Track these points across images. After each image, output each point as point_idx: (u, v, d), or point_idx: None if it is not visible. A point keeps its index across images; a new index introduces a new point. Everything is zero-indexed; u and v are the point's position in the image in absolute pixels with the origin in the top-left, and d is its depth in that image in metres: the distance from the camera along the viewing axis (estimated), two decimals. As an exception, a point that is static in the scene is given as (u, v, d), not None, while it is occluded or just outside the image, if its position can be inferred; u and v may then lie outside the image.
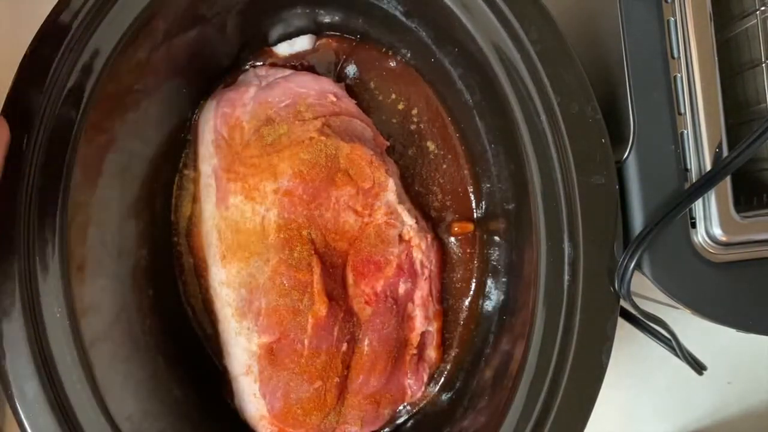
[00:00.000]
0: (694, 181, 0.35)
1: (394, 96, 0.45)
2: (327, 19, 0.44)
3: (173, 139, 0.43)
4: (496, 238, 0.42)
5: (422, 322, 0.41)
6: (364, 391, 0.39)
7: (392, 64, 0.45)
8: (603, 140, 0.35)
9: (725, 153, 0.35)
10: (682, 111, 0.35)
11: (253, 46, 0.45)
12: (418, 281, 0.41)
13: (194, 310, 0.44)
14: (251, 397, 0.39)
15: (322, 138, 0.39)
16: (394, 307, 0.40)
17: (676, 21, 0.35)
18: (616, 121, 0.36)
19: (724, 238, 0.34)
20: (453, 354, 0.44)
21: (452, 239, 0.45)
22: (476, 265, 0.44)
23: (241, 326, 0.39)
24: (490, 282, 0.43)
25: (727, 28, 0.41)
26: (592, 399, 0.34)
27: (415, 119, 0.45)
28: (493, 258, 0.43)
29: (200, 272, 0.42)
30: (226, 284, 0.39)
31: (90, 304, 0.35)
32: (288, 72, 0.42)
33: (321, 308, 0.37)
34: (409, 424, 0.44)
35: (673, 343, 0.36)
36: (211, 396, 0.42)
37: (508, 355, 0.37)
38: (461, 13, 0.35)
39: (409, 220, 0.40)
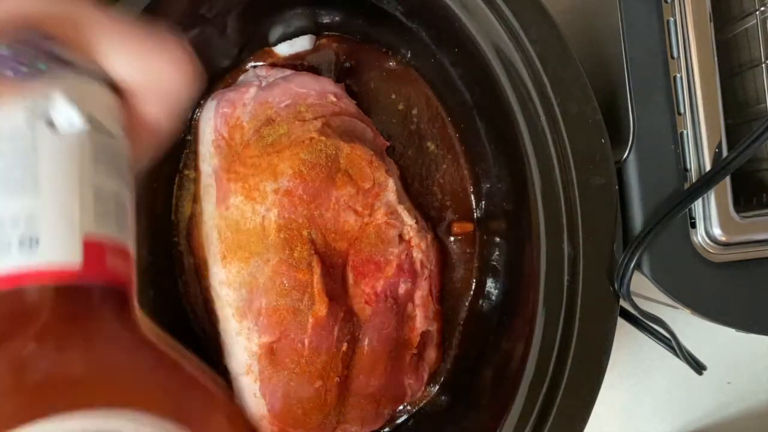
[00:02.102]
0: (693, 181, 0.35)
1: (394, 96, 0.45)
2: (327, 20, 0.44)
3: (173, 139, 0.43)
4: (496, 238, 0.43)
5: (422, 322, 0.41)
6: (365, 390, 0.39)
7: (392, 64, 0.45)
8: (603, 140, 0.35)
9: (725, 153, 0.35)
10: (682, 111, 0.35)
11: (253, 46, 0.45)
12: (418, 281, 0.41)
13: (194, 310, 0.44)
14: (251, 396, 0.39)
15: (323, 138, 0.39)
16: (395, 307, 0.40)
17: (675, 21, 0.35)
18: (615, 122, 0.36)
19: (723, 238, 0.34)
20: (453, 354, 0.44)
21: (452, 239, 0.45)
22: (476, 265, 0.44)
23: (242, 326, 0.39)
24: (490, 282, 0.43)
25: (726, 28, 0.41)
26: (591, 399, 0.34)
27: (415, 119, 0.45)
28: (493, 258, 0.43)
29: (200, 272, 0.42)
30: (226, 284, 0.39)
31: (90, 304, 0.35)
32: (288, 72, 0.42)
33: (321, 308, 0.37)
34: (409, 423, 0.44)
35: (673, 343, 0.36)
36: (212, 396, 0.42)
37: (507, 354, 0.37)
38: (461, 13, 0.35)
39: (409, 220, 0.40)
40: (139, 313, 0.19)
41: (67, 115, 0.18)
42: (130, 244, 0.19)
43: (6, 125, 0.17)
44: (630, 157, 0.35)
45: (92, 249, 0.17)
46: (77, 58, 0.19)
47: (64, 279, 0.16)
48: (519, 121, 0.35)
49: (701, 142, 0.35)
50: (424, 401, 0.44)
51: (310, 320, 0.37)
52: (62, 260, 0.16)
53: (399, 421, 0.44)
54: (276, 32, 0.45)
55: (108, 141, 0.19)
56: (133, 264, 0.19)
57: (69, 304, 0.16)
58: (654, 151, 0.35)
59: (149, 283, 0.41)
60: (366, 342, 0.39)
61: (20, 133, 0.17)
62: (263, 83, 0.42)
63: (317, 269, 0.37)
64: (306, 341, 0.37)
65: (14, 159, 0.17)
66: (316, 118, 0.40)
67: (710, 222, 0.35)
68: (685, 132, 0.35)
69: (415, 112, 0.45)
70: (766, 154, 0.40)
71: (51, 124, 0.18)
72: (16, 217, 0.16)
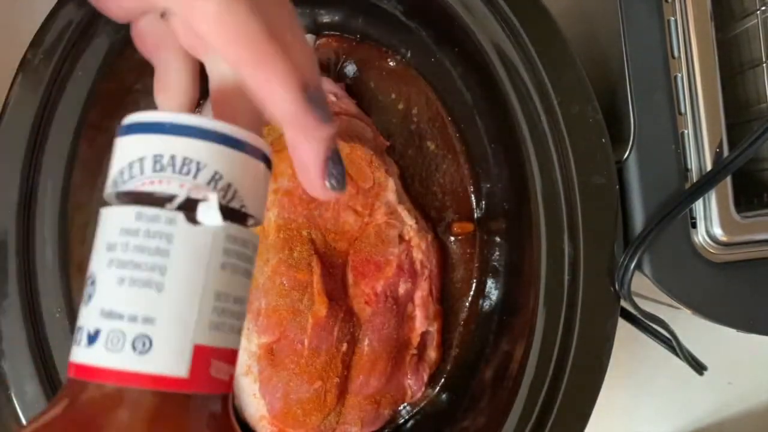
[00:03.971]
0: (694, 180, 0.35)
1: (394, 96, 0.45)
2: (327, 19, 0.44)
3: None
4: (497, 238, 0.42)
5: (422, 322, 0.41)
6: (364, 391, 0.39)
7: (392, 63, 0.45)
8: (603, 140, 0.34)
9: (726, 153, 0.35)
10: (683, 111, 0.35)
11: (253, 45, 0.45)
12: (419, 281, 0.41)
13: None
14: (251, 397, 0.39)
15: (322, 138, 0.38)
16: (394, 307, 0.40)
17: (676, 20, 0.35)
18: (616, 121, 0.36)
19: (724, 238, 0.34)
20: (453, 354, 0.44)
21: (452, 239, 0.45)
22: (476, 265, 0.44)
23: (241, 326, 0.39)
24: (490, 282, 0.43)
25: (727, 28, 0.41)
26: (592, 399, 0.34)
27: (415, 119, 0.45)
28: (493, 258, 0.43)
29: (200, 272, 0.42)
30: (225, 284, 0.39)
31: (89, 305, 0.35)
32: (288, 72, 0.42)
33: (321, 308, 0.37)
34: (409, 424, 0.44)
35: (674, 343, 0.36)
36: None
37: (508, 355, 0.37)
38: (461, 12, 0.35)
39: (409, 220, 0.40)
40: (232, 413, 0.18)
41: (211, 213, 0.17)
42: (239, 342, 0.18)
43: (148, 207, 0.17)
44: (631, 156, 0.35)
45: (199, 360, 0.16)
46: (249, 136, 0.18)
47: (165, 387, 0.16)
48: (519, 121, 0.35)
49: (702, 141, 0.35)
50: (425, 402, 0.44)
51: (310, 320, 0.37)
52: (169, 372, 0.16)
53: (399, 421, 0.44)
54: (276, 32, 0.44)
55: (243, 230, 0.18)
56: (237, 362, 0.18)
57: (164, 407, 0.16)
58: (655, 151, 0.35)
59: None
60: (366, 342, 0.39)
61: (160, 217, 0.17)
62: (263, 83, 0.42)
63: (317, 269, 0.37)
64: (306, 341, 0.37)
65: (148, 243, 0.17)
66: (315, 118, 0.40)
67: (711, 222, 0.35)
68: (685, 131, 0.35)
69: (415, 111, 0.45)
70: (766, 154, 0.40)
71: (192, 215, 0.17)
72: (135, 313, 0.16)
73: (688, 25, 0.35)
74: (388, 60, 0.45)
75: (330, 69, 0.45)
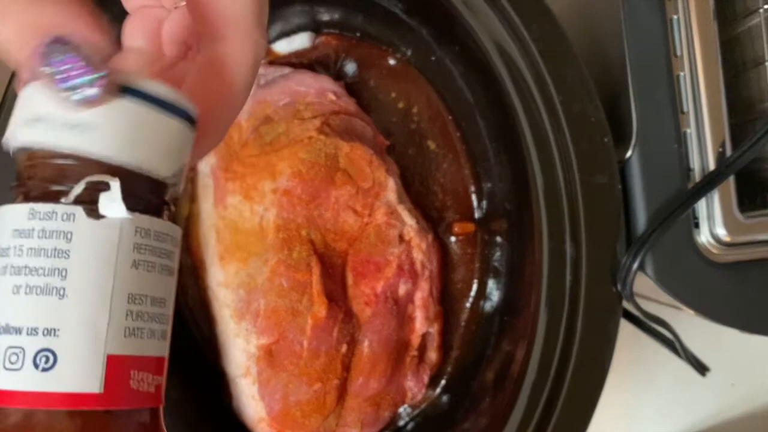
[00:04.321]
0: (697, 180, 0.34)
1: (394, 94, 0.44)
2: (326, 17, 0.44)
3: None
4: (498, 238, 0.42)
5: (423, 323, 0.41)
6: (364, 393, 0.39)
7: (392, 62, 0.45)
8: (605, 139, 0.34)
9: (729, 152, 0.34)
10: (685, 110, 0.35)
11: (252, 44, 0.44)
12: (419, 282, 0.40)
13: (192, 311, 0.43)
14: (250, 399, 0.39)
15: (322, 137, 0.38)
16: (395, 308, 0.39)
17: (678, 19, 0.35)
18: (618, 120, 0.36)
19: (727, 238, 0.34)
20: (454, 355, 0.44)
21: (453, 239, 0.44)
22: (477, 266, 0.44)
23: (240, 327, 0.38)
24: (491, 283, 0.43)
25: (730, 26, 0.41)
26: (594, 401, 0.34)
27: (415, 118, 0.44)
28: (494, 258, 0.43)
29: (198, 273, 0.42)
30: (224, 285, 0.39)
31: (87, 305, 0.34)
32: (287, 70, 0.42)
33: (320, 309, 0.37)
34: (409, 426, 0.43)
35: (676, 344, 0.36)
36: (210, 398, 0.42)
37: (509, 356, 0.37)
38: (462, 10, 0.35)
39: (409, 220, 0.40)
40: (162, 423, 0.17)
41: (114, 204, 0.14)
42: (165, 348, 0.16)
43: (42, 203, 0.14)
44: (633, 156, 0.35)
45: (115, 373, 0.15)
46: (168, 91, 0.15)
47: (77, 406, 0.14)
48: (521, 120, 0.34)
49: (705, 141, 0.35)
50: (425, 403, 0.43)
51: (309, 321, 0.37)
52: (79, 389, 0.14)
53: (399, 423, 0.43)
54: (274, 29, 0.44)
55: (157, 221, 0.16)
56: (165, 369, 0.16)
57: (81, 427, 0.15)
58: (657, 150, 0.35)
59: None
60: (366, 343, 0.39)
61: (56, 213, 0.14)
62: (262, 81, 0.42)
63: (316, 270, 0.37)
64: (305, 343, 0.37)
65: (44, 244, 0.14)
66: (315, 117, 0.39)
67: (714, 222, 0.34)
68: (688, 131, 0.35)
69: (415, 110, 0.44)
70: (770, 153, 0.40)
71: (93, 208, 0.14)
72: (34, 325, 0.14)
73: (690, 24, 0.35)
74: (388, 58, 0.45)
75: (329, 67, 0.45)
